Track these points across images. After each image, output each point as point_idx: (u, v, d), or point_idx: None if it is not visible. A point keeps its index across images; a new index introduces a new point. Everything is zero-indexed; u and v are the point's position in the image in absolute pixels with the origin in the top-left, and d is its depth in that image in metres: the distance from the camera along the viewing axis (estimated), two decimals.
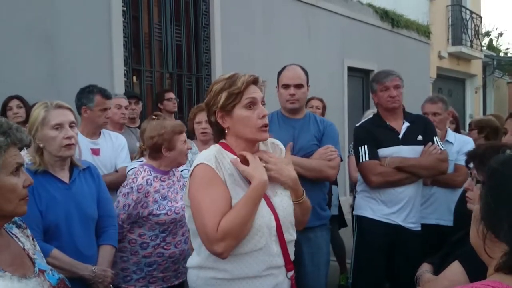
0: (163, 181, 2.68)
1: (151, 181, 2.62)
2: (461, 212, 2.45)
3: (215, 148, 1.85)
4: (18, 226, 1.56)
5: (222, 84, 1.82)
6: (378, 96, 3.21)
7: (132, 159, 3.61)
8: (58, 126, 2.17)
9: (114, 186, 3.35)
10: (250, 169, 1.77)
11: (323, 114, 5.01)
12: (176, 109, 5.11)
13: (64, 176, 2.22)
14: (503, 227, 1.05)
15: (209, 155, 1.79)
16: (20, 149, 1.46)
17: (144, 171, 2.65)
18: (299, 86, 2.95)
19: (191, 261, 1.89)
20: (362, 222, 3.24)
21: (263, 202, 1.81)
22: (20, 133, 1.44)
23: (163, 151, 2.66)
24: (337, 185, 4.87)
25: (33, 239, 1.59)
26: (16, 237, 1.51)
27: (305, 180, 2.77)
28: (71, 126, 2.22)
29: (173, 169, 2.79)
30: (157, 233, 2.61)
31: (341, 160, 3.00)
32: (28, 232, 1.59)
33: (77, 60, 4.80)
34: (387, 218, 3.13)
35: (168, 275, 2.65)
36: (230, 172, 1.80)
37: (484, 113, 17.54)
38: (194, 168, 1.78)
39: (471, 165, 1.86)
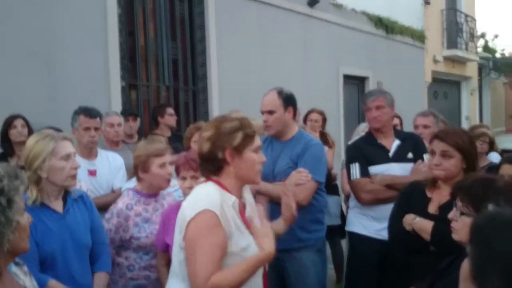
0: (147, 205, 2.73)
1: (132, 205, 2.68)
2: (397, 230, 2.51)
3: (215, 189, 1.83)
4: (16, 264, 1.62)
5: (237, 124, 1.85)
6: (365, 115, 3.31)
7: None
8: (67, 157, 2.25)
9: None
10: (261, 236, 1.78)
11: (323, 126, 5.06)
12: (175, 124, 5.20)
13: (58, 206, 2.28)
14: (494, 287, 1.08)
15: (214, 201, 1.77)
16: None
17: (127, 195, 2.73)
18: (270, 112, 2.97)
19: None
20: (353, 238, 3.31)
21: (255, 244, 1.85)
22: (24, 176, 1.53)
23: (139, 173, 2.72)
24: (339, 195, 4.92)
25: (30, 275, 1.65)
26: (16, 275, 1.58)
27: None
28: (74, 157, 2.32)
29: (163, 193, 2.84)
30: (141, 255, 2.67)
31: (322, 181, 2.98)
32: (26, 268, 1.65)
33: (76, 79, 4.86)
34: (378, 234, 3.19)
35: None
36: (232, 217, 1.81)
37: (481, 114, 17.61)
38: (197, 213, 1.74)
39: (457, 196, 1.89)
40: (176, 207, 2.49)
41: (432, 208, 2.47)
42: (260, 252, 1.78)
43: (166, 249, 2.49)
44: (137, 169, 2.74)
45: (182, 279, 1.86)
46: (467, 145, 2.43)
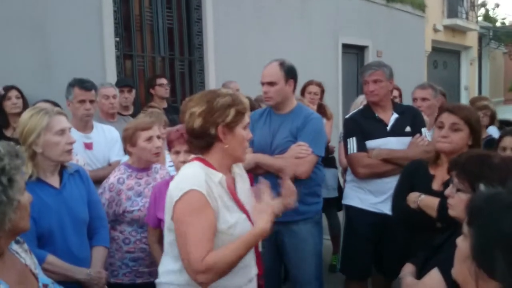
0: (139, 179, 2.73)
1: (123, 179, 2.69)
2: (401, 207, 2.54)
3: (200, 168, 1.81)
4: (17, 242, 1.61)
5: (229, 100, 1.81)
6: (363, 88, 3.27)
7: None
8: (61, 132, 2.22)
9: None
10: (257, 211, 1.78)
11: (321, 98, 5.01)
12: (167, 95, 5.13)
13: (55, 181, 2.26)
14: (499, 267, 1.07)
15: (200, 180, 1.74)
16: None
17: (119, 170, 2.74)
18: (271, 83, 2.94)
19: (171, 278, 1.87)
20: (350, 211, 3.33)
21: (246, 220, 1.85)
22: (24, 155, 1.51)
23: (127, 146, 2.73)
24: (336, 167, 4.92)
25: (30, 253, 1.65)
26: (17, 253, 1.57)
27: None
28: (69, 132, 2.29)
29: (156, 167, 2.84)
30: (135, 228, 2.69)
31: (322, 156, 2.99)
32: (26, 246, 1.64)
33: (69, 48, 4.79)
34: (374, 208, 3.20)
35: (154, 269, 2.65)
36: (220, 195, 1.79)
37: (479, 84, 17.53)
38: (184, 193, 1.73)
39: (453, 172, 1.89)
40: (167, 182, 2.48)
41: (436, 185, 2.46)
42: (255, 228, 1.78)
43: (158, 225, 2.50)
44: (125, 143, 2.75)
45: (174, 259, 1.86)
46: (476, 122, 2.42)
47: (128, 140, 2.70)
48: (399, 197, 2.58)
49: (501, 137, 2.96)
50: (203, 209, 1.72)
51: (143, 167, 2.75)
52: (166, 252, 1.93)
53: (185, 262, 1.74)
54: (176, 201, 1.75)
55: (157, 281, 1.95)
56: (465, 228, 1.21)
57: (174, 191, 1.77)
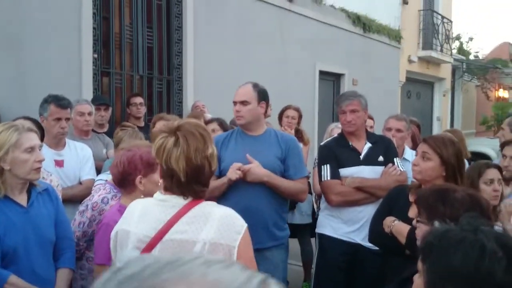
0: None
1: (108, 199, 2.62)
2: (377, 231, 2.59)
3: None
4: None
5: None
6: (339, 117, 3.31)
7: (97, 167, 3.59)
8: (30, 149, 2.18)
9: (77, 199, 3.32)
10: None
11: (298, 123, 5.07)
12: (140, 115, 5.08)
13: (22, 199, 2.21)
14: None
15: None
16: None
17: (104, 189, 2.67)
18: (244, 103, 2.96)
19: None
20: (323, 240, 3.33)
21: None
22: None
23: None
24: (311, 193, 4.94)
25: None
26: None
27: (260, 201, 2.86)
28: (39, 149, 2.25)
29: None
30: None
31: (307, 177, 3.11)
32: None
33: (45, 62, 4.72)
34: (347, 237, 3.22)
35: None
36: None
37: (452, 116, 17.99)
38: (244, 232, 1.76)
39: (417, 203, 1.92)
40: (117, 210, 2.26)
41: (412, 213, 2.50)
42: None
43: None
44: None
45: None
46: (449, 153, 2.44)
47: None
48: (376, 220, 2.62)
49: (482, 170, 2.89)
50: None
51: None
52: None
53: None
54: (239, 242, 1.72)
55: None
56: (419, 265, 1.22)
57: (226, 232, 1.71)
